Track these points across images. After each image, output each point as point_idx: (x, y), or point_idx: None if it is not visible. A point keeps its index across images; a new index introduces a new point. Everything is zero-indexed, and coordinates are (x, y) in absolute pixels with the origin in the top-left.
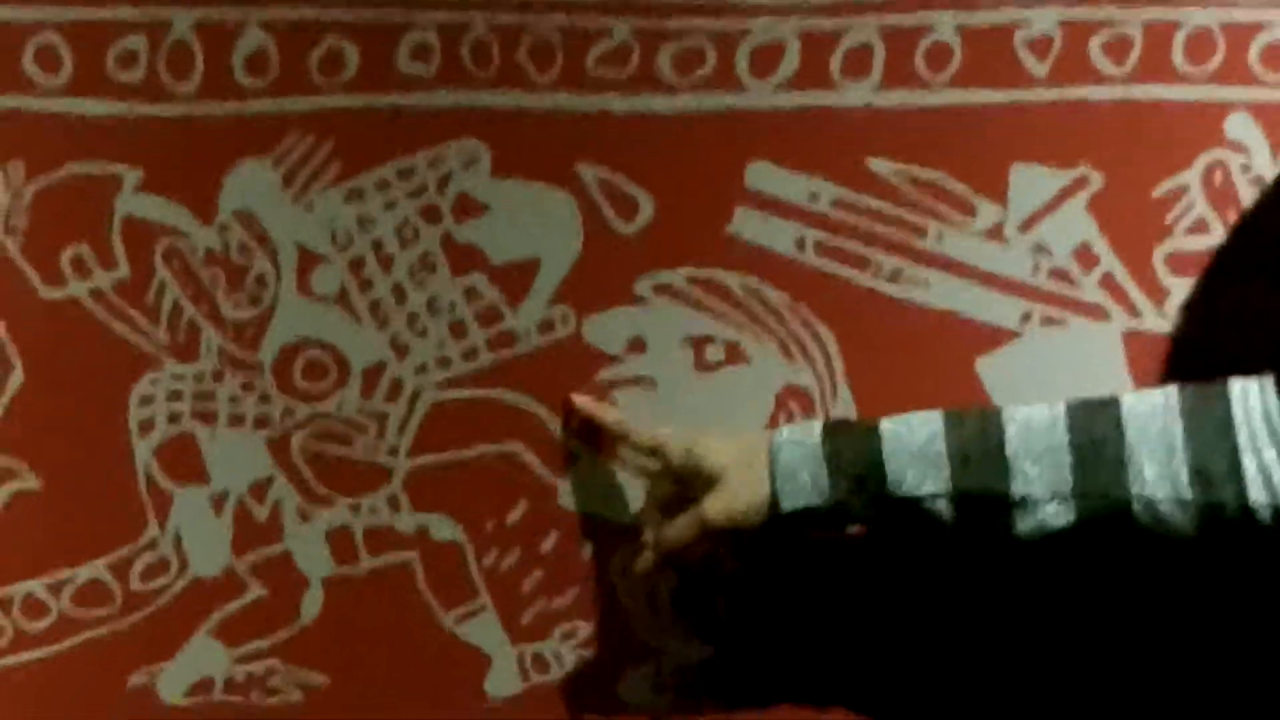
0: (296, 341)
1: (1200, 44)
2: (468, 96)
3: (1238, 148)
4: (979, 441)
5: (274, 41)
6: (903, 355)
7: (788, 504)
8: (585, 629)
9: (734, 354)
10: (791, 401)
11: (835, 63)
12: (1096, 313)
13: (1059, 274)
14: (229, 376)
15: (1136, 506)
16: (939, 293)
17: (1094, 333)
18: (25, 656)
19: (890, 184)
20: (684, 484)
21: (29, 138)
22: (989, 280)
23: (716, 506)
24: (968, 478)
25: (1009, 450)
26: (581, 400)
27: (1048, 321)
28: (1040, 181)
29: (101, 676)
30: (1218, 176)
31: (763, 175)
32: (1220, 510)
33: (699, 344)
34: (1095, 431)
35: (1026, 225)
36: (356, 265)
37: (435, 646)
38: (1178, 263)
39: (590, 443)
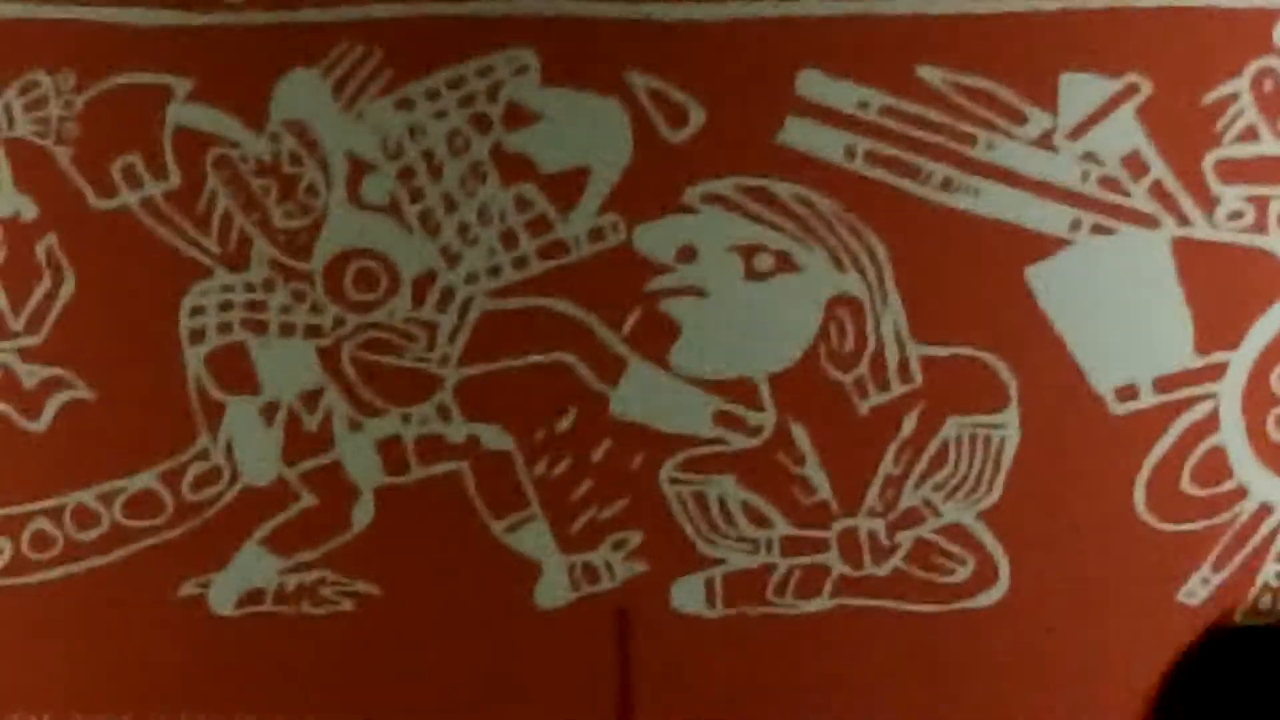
0: (347, 250)
1: None
2: (517, 5)
3: None
4: None
5: None
6: (952, 264)
7: None
8: (636, 538)
9: (784, 262)
10: (841, 310)
11: None
12: (1146, 220)
13: (1108, 182)
14: (280, 286)
15: None
16: (989, 201)
17: (1144, 240)
18: (76, 567)
19: (939, 92)
20: None
21: (79, 47)
22: (1039, 188)
23: None
24: None
25: None
26: None
27: (1097, 229)
28: (1090, 89)
29: (152, 587)
30: (1268, 83)
31: (812, 83)
32: None
33: (749, 252)
34: None
35: (1076, 133)
36: (407, 174)
37: (485, 556)
38: (1227, 170)
39: None
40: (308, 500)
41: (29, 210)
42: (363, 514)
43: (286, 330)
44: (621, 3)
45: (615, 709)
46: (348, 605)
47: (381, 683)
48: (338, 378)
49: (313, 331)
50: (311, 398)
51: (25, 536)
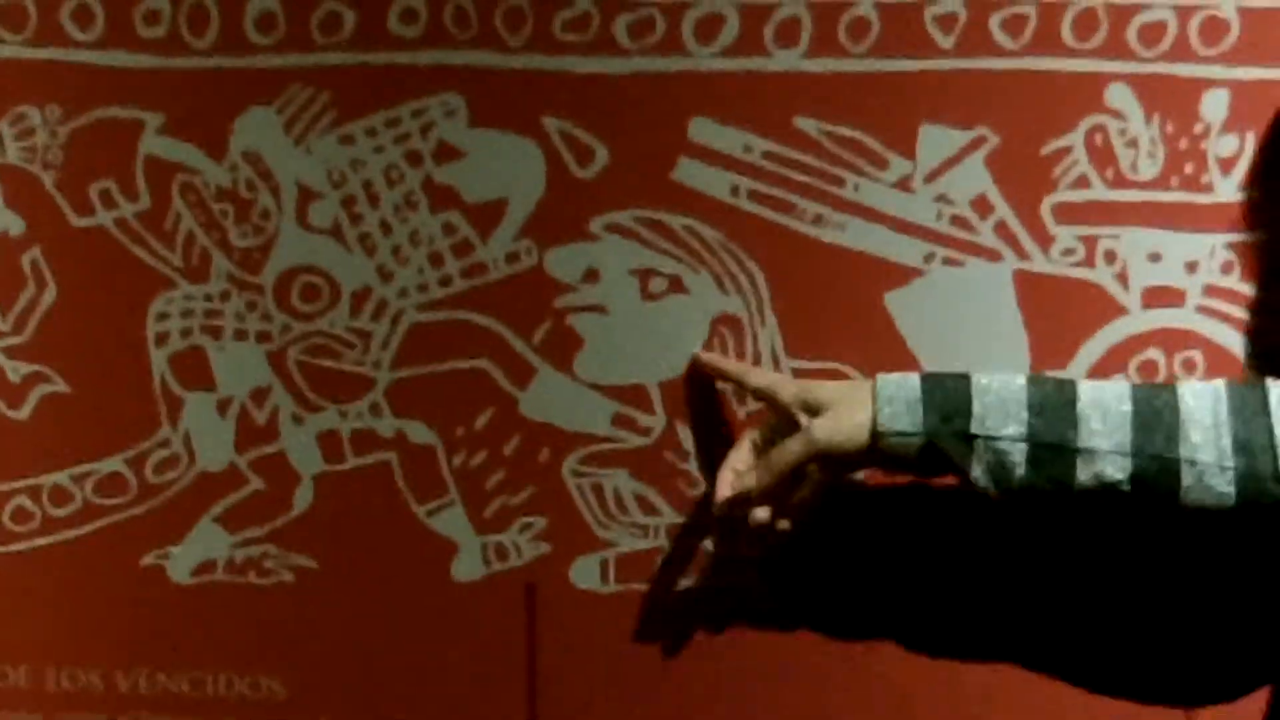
0: (295, 267)
1: (1087, 22)
2: (449, 55)
3: (1116, 114)
4: (1055, 397)
5: (281, 4)
6: (821, 289)
7: (885, 425)
8: (541, 522)
9: (675, 285)
10: (724, 328)
11: (768, 32)
12: (991, 254)
13: (959, 220)
14: (235, 296)
15: (1184, 470)
16: (854, 235)
17: (988, 272)
18: (52, 539)
19: (814, 139)
20: (786, 427)
21: (65, 85)
22: (898, 225)
23: (825, 426)
24: (1042, 426)
25: (1079, 407)
26: (706, 355)
27: (948, 261)
28: (944, 139)
29: (118, 557)
30: (1098, 138)
31: (703, 129)
32: (1259, 479)
33: (645, 276)
34: (1155, 403)
35: (931, 177)
36: (349, 201)
37: (410, 535)
38: (1062, 212)
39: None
40: (256, 484)
41: (17, 226)
42: (303, 497)
43: (240, 336)
44: (539, 56)
45: (523, 669)
46: (289, 577)
47: (317, 645)
48: (284, 378)
49: (263, 337)
50: (261, 395)
51: (7, 512)
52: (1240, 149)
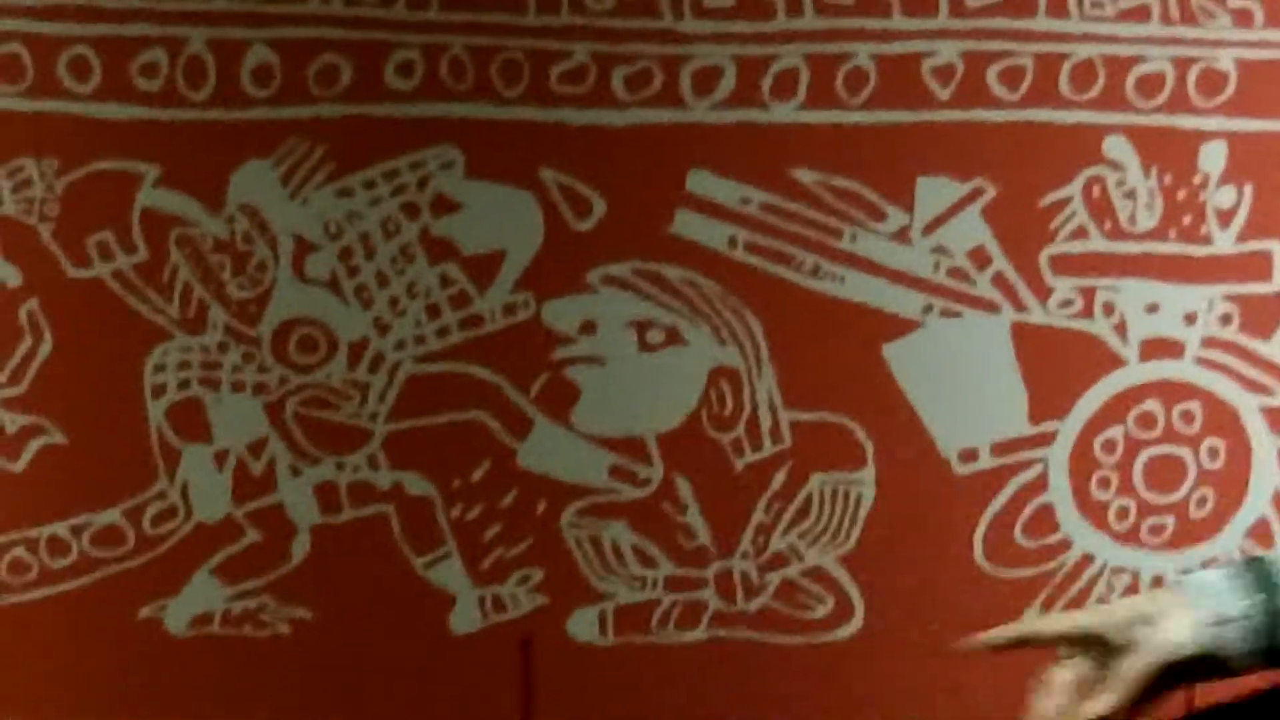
0: (292, 319)
1: (1084, 74)
2: (445, 108)
3: (1114, 165)
4: None
5: (277, 56)
6: (819, 340)
7: (1222, 613)
8: (538, 574)
9: (672, 337)
10: (722, 380)
11: (766, 84)
12: (988, 306)
13: (957, 272)
14: (232, 348)
15: None
16: (852, 287)
17: (986, 323)
18: (49, 590)
19: (812, 191)
20: (1104, 657)
21: (61, 137)
22: (896, 276)
23: (1162, 635)
24: None
25: None
26: (989, 636)
27: (946, 313)
28: (942, 191)
29: (115, 609)
30: (1096, 190)
31: (701, 181)
32: None
33: (642, 327)
34: None
35: (929, 229)
36: (346, 253)
37: (407, 587)
38: (1060, 264)
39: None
40: (253, 536)
41: (14, 278)
42: (300, 548)
43: (237, 387)
44: (535, 108)
45: None
46: (285, 629)
47: (314, 696)
48: (281, 429)
49: (260, 389)
50: (258, 446)
51: (4, 563)
52: (1238, 200)
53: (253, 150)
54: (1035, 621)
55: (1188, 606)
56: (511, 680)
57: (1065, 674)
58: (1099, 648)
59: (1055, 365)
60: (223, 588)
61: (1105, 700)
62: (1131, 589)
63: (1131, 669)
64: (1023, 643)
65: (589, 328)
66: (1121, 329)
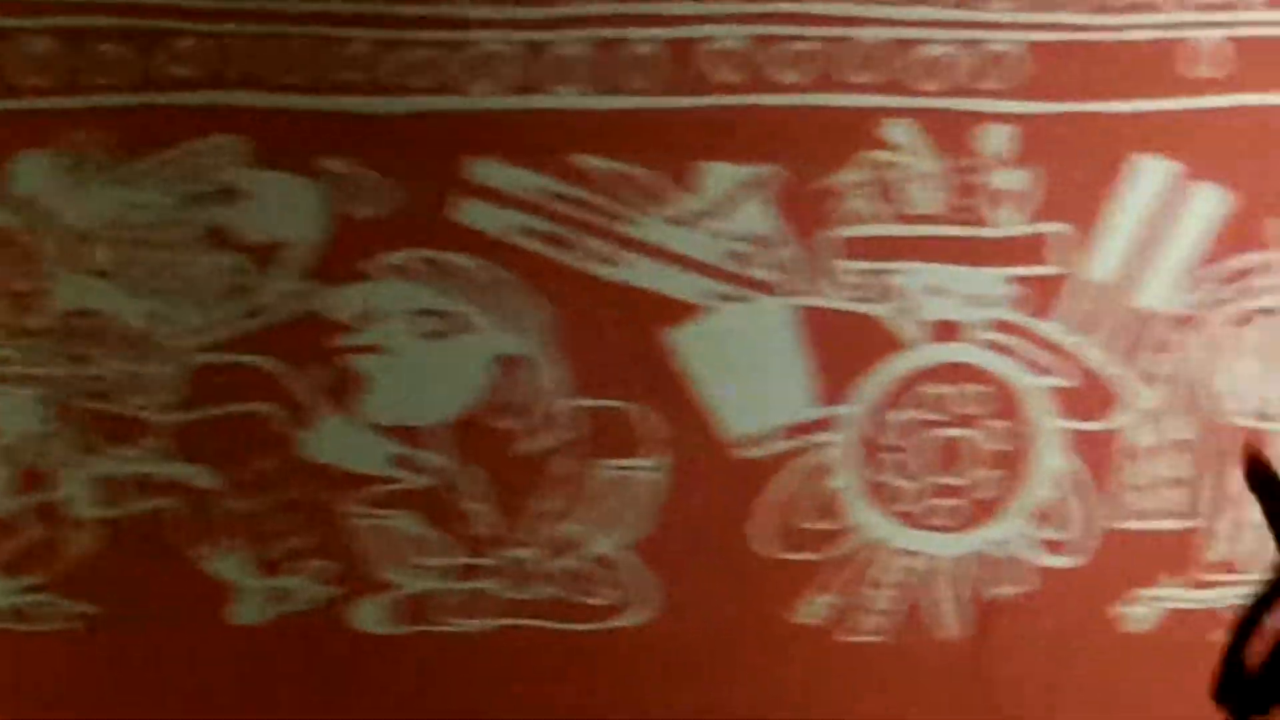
0: (72, 310)
1: (868, 57)
2: (226, 96)
3: (899, 149)
4: None
5: (57, 44)
6: (606, 326)
7: None
8: (324, 565)
9: (457, 325)
10: (508, 367)
11: (550, 70)
12: (773, 289)
13: (740, 256)
14: (12, 341)
15: None
16: (637, 272)
17: (772, 308)
18: None
19: (596, 177)
20: None
21: None
22: (681, 262)
23: None
24: None
25: None
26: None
27: (732, 298)
28: (727, 176)
29: None
30: (880, 173)
31: (485, 169)
32: None
33: (427, 316)
34: None
35: (714, 214)
36: (127, 244)
37: (191, 579)
38: (845, 247)
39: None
40: (35, 531)
41: None
42: (82, 543)
43: (18, 381)
44: (318, 96)
45: (306, 714)
46: (69, 624)
47: (101, 691)
48: (63, 423)
49: (41, 382)
50: (40, 440)
51: None
52: (1021, 183)
53: (31, 140)
54: None
55: None
56: (297, 671)
57: None
58: None
59: (841, 349)
60: (5, 583)
61: None
62: (916, 572)
63: None
64: None
65: (373, 317)
66: (906, 312)
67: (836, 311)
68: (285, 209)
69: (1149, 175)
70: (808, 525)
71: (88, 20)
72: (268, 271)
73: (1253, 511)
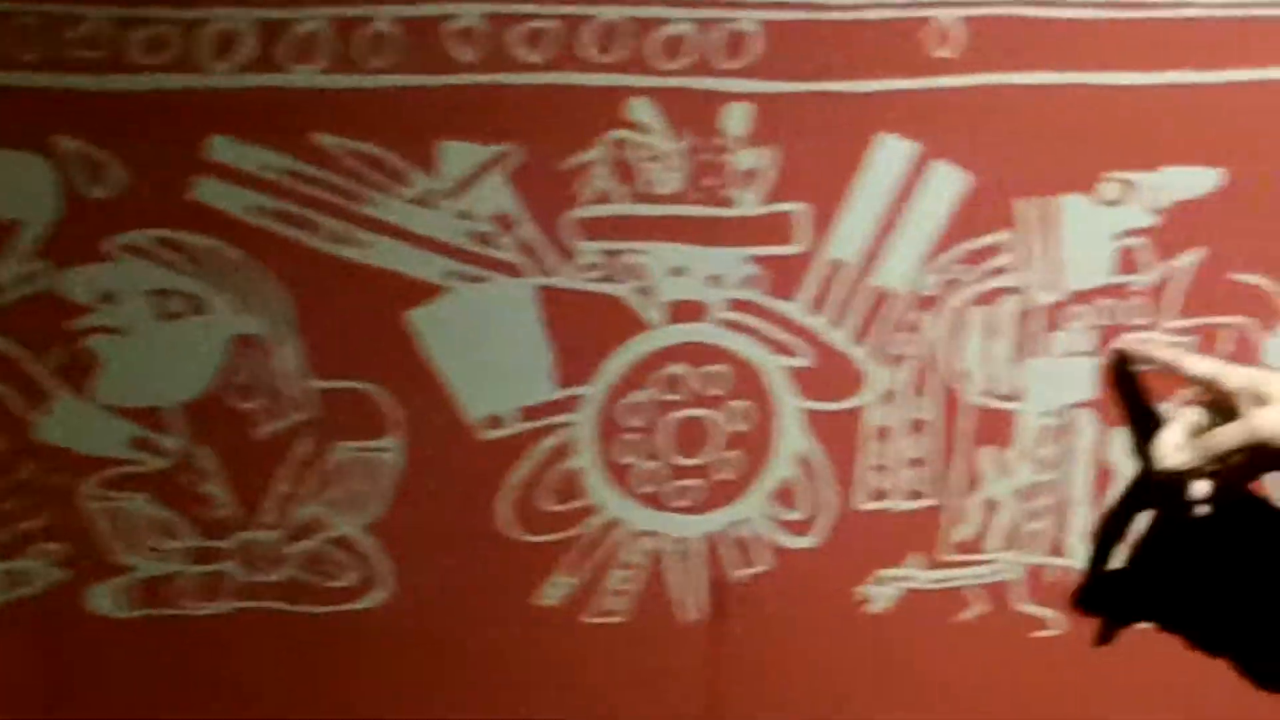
0: None
1: (608, 35)
2: None
3: (639, 128)
4: None
5: None
6: (345, 307)
7: None
8: (58, 549)
9: (194, 306)
10: (244, 347)
11: (287, 48)
12: (514, 270)
13: (481, 236)
14: None
15: None
16: (377, 252)
17: (511, 288)
18: None
19: (334, 156)
20: (1224, 412)
21: None
22: (420, 242)
23: (1271, 417)
24: None
25: None
26: (1134, 344)
27: (471, 278)
28: (466, 155)
29: None
30: (620, 153)
31: (223, 148)
32: None
33: (163, 296)
34: None
35: (454, 193)
36: None
37: None
38: (585, 227)
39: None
40: None
41: None
42: None
43: None
44: (48, 74)
45: (41, 699)
46: None
47: None
48: None
49: None
50: None
51: None
52: (762, 163)
53: None
54: (1180, 354)
55: None
56: (32, 656)
57: (1191, 417)
58: (1223, 409)
59: (582, 329)
60: None
61: (1180, 455)
62: (657, 553)
63: (1217, 435)
64: (1166, 369)
65: (109, 297)
66: (647, 292)
67: (578, 292)
68: (17, 189)
69: (889, 155)
70: (550, 507)
71: None
72: (1, 253)
73: (994, 490)
